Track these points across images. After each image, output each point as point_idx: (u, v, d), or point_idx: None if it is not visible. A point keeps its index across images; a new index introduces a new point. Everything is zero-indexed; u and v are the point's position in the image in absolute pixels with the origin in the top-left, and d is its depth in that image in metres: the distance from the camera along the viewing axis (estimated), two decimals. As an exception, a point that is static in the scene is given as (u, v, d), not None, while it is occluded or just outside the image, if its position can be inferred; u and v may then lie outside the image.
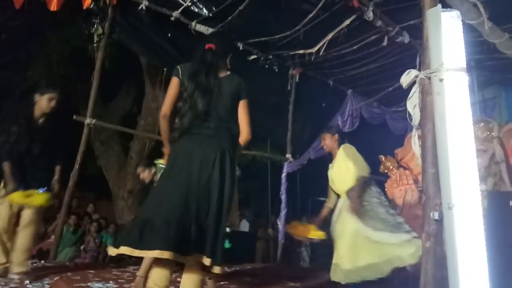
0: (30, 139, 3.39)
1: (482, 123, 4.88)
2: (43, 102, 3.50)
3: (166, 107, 2.31)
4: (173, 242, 2.01)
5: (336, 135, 3.67)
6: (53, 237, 6.20)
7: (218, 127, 2.29)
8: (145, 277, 2.90)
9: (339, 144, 3.63)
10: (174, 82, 2.33)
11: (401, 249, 3.20)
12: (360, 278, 3.16)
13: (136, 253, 2.02)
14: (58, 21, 6.94)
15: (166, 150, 2.44)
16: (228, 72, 2.44)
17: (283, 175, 6.18)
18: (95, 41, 4.95)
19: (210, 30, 4.91)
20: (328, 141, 3.67)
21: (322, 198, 4.69)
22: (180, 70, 2.34)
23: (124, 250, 2.04)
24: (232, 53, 2.56)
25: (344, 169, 3.47)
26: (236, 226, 3.85)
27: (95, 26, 4.91)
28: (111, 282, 3.49)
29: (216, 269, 2.13)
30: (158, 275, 2.17)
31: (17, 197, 3.29)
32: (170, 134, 2.36)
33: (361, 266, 3.16)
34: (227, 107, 2.35)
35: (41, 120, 3.52)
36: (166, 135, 2.37)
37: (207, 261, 2.09)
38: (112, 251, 2.10)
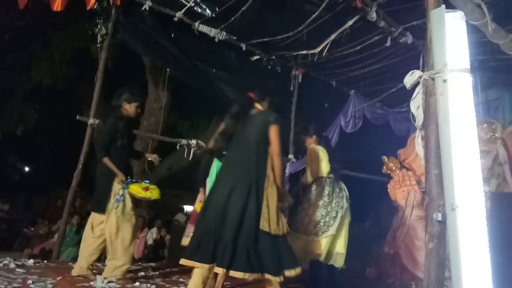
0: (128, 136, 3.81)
1: (486, 124, 4.86)
2: (132, 109, 3.82)
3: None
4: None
5: (314, 136, 4.03)
6: (56, 236, 6.23)
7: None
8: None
9: (318, 144, 4.01)
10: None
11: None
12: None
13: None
14: (61, 21, 6.98)
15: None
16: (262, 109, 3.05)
17: (286, 175, 6.17)
18: (98, 42, 4.95)
19: (213, 30, 4.91)
20: (308, 142, 4.05)
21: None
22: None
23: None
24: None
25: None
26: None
27: (99, 26, 4.92)
28: (113, 281, 3.49)
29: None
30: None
31: (137, 190, 3.47)
32: None
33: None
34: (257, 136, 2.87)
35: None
36: None
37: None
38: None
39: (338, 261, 3.68)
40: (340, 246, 3.70)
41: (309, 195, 3.82)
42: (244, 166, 2.79)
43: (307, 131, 4.12)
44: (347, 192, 3.85)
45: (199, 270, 2.58)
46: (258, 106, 3.04)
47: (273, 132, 2.85)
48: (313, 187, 3.83)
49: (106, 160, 3.54)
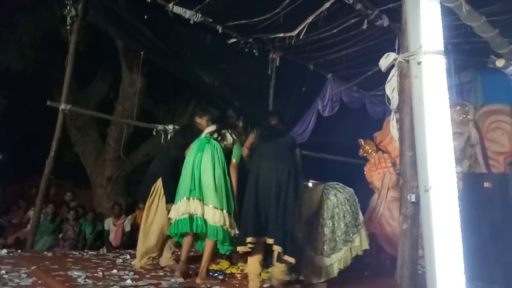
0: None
1: (458, 106, 4.97)
2: (204, 123, 3.87)
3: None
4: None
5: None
6: (29, 225, 6.10)
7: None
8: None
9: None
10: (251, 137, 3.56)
11: None
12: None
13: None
14: (29, 2, 6.68)
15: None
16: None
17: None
18: (68, 24, 4.78)
19: (188, 12, 4.79)
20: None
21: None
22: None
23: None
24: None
25: None
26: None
27: (68, 8, 4.73)
28: (90, 270, 3.45)
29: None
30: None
31: None
32: None
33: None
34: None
35: None
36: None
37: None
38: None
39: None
40: None
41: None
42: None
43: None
44: None
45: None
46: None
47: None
48: None
49: None
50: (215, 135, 3.52)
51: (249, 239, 3.03)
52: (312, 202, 3.57)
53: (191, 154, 3.49)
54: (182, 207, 3.29)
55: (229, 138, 3.54)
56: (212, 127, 3.63)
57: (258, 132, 3.52)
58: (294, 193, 3.18)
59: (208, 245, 3.33)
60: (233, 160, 3.50)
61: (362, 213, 3.79)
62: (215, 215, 3.26)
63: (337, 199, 3.58)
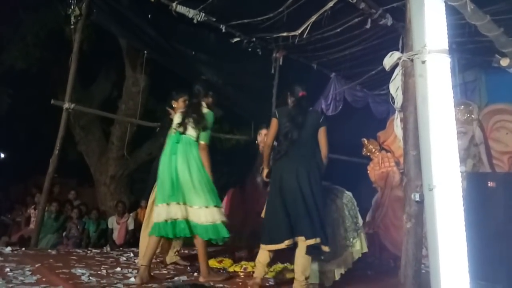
0: None
1: (463, 106, 4.95)
2: (180, 105, 3.77)
3: (270, 140, 3.33)
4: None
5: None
6: (31, 224, 6.14)
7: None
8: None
9: None
10: (274, 122, 3.30)
11: None
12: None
13: None
14: (33, 2, 6.70)
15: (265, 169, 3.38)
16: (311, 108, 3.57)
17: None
18: (72, 23, 4.79)
19: (192, 11, 4.80)
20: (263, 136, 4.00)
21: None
22: (277, 112, 3.37)
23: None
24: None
25: None
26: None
27: (72, 7, 4.75)
28: (94, 268, 3.46)
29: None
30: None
31: None
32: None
33: None
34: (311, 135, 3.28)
35: None
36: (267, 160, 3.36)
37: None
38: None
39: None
40: None
41: None
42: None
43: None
44: None
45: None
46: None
47: (323, 134, 3.37)
48: None
49: None
50: (181, 129, 3.32)
51: (286, 242, 3.04)
52: None
53: (165, 154, 3.34)
54: (163, 213, 3.20)
55: (191, 130, 3.31)
56: (178, 118, 3.41)
57: (283, 114, 3.33)
58: (318, 184, 3.16)
59: (199, 243, 3.25)
60: (201, 142, 3.31)
61: (365, 212, 3.77)
62: (201, 215, 3.19)
63: (335, 205, 3.52)
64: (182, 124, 3.33)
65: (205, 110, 3.38)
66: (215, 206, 3.26)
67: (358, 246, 3.48)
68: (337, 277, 3.41)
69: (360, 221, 3.56)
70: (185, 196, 3.22)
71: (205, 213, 3.20)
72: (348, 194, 3.62)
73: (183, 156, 3.25)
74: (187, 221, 3.21)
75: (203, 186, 3.24)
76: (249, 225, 4.28)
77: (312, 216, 3.05)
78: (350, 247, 3.46)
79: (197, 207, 3.21)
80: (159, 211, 3.22)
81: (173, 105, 3.82)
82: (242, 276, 3.58)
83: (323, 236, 3.05)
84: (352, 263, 3.48)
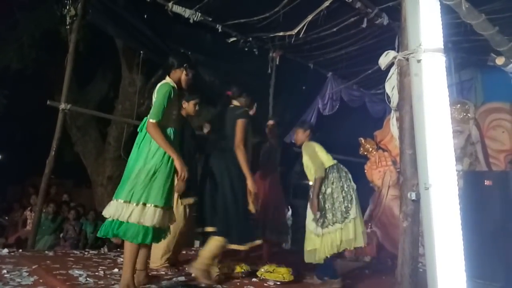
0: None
1: (459, 105, 4.97)
2: (190, 107, 3.77)
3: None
4: None
5: (308, 131, 3.82)
6: (28, 225, 6.11)
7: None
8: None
9: (310, 138, 3.81)
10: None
11: (336, 237, 3.43)
12: (308, 260, 3.55)
13: None
14: (28, 2, 6.67)
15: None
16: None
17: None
18: (67, 23, 4.77)
19: (188, 11, 4.79)
20: (299, 135, 3.84)
21: (305, 181, 4.72)
22: None
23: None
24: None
25: (306, 166, 3.72)
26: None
27: (68, 7, 4.73)
28: (91, 269, 3.45)
29: None
30: None
31: None
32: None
33: (307, 250, 3.55)
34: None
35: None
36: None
37: None
38: None
39: (360, 241, 3.49)
40: (362, 225, 3.54)
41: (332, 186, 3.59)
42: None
43: (303, 124, 3.96)
44: (350, 175, 3.67)
45: None
46: (235, 102, 3.51)
47: (238, 126, 3.27)
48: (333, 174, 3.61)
49: None
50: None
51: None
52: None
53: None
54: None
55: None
56: None
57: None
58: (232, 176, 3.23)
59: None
60: (148, 121, 2.77)
61: (363, 212, 3.78)
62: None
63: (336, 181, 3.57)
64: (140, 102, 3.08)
65: (161, 83, 2.86)
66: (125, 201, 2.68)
67: (352, 232, 3.40)
68: (323, 254, 3.43)
69: (354, 211, 3.47)
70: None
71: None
72: (352, 185, 3.62)
73: (136, 145, 2.84)
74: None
75: (132, 176, 2.71)
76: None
77: (217, 209, 3.18)
78: (340, 224, 3.43)
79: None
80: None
81: (183, 106, 3.74)
82: (231, 277, 3.56)
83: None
84: (339, 247, 3.42)
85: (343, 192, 3.52)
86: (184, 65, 2.91)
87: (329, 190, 3.54)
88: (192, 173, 3.28)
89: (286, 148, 4.79)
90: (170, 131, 2.83)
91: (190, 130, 3.80)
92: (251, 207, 3.27)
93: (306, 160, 3.71)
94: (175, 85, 2.88)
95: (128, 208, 2.63)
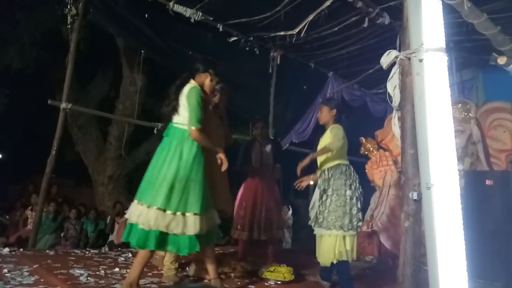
0: None
1: (460, 104, 4.96)
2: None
3: None
4: None
5: (334, 110, 3.38)
6: (29, 224, 6.12)
7: None
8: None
9: (335, 121, 3.39)
10: None
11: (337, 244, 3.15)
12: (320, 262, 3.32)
13: None
14: (29, 1, 6.67)
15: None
16: None
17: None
18: (68, 23, 4.77)
19: (189, 10, 4.79)
20: (324, 113, 3.40)
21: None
22: None
23: None
24: None
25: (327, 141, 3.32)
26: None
27: (69, 6, 4.73)
28: (92, 268, 3.45)
29: None
30: None
31: None
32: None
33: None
34: None
35: None
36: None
37: None
38: None
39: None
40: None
41: (332, 184, 3.24)
42: None
43: (329, 101, 3.54)
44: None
45: None
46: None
47: None
48: (336, 175, 3.25)
49: None
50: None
51: None
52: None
53: None
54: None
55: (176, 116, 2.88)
56: None
57: None
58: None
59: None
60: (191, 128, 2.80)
61: (363, 211, 3.69)
62: None
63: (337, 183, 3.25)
64: (163, 111, 2.98)
65: (187, 87, 2.85)
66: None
67: (349, 244, 3.15)
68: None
69: (355, 222, 3.17)
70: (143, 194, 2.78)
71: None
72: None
73: (161, 149, 2.83)
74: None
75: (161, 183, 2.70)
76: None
77: None
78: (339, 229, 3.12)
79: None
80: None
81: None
82: (233, 277, 3.56)
83: None
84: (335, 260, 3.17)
85: (355, 198, 3.19)
86: (210, 70, 2.97)
87: (348, 192, 3.19)
88: None
89: (279, 147, 4.63)
90: None
91: None
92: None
93: (325, 140, 3.33)
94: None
95: (175, 219, 2.64)
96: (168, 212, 2.64)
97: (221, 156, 2.89)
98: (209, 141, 2.84)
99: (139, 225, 2.63)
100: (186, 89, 2.83)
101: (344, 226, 3.11)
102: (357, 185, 3.27)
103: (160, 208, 2.63)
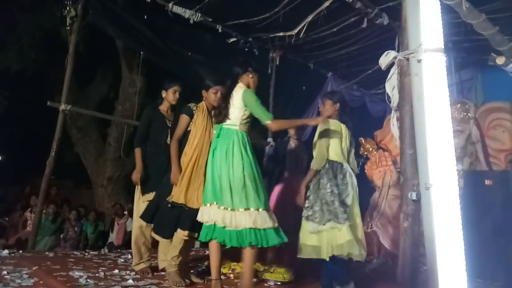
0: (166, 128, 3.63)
1: (459, 104, 4.97)
2: (170, 95, 3.70)
3: None
4: None
5: (337, 105, 3.26)
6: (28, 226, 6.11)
7: None
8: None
9: (338, 115, 3.29)
10: None
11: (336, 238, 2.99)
12: (308, 256, 3.10)
13: None
14: (28, 3, 6.68)
15: None
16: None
17: (265, 159, 6.18)
18: (68, 24, 4.77)
19: (188, 12, 4.79)
20: (327, 107, 3.28)
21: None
22: None
23: None
24: None
25: (316, 145, 3.25)
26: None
27: (68, 8, 4.73)
28: (92, 270, 3.45)
29: None
30: None
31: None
32: None
33: (308, 245, 3.10)
34: None
35: (169, 111, 3.74)
36: None
37: None
38: None
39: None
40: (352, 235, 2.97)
41: (320, 180, 3.15)
42: None
43: (332, 95, 3.41)
44: (353, 180, 3.16)
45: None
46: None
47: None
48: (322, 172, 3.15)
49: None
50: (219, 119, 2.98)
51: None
52: None
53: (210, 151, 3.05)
54: (206, 214, 2.88)
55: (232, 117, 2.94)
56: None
57: None
58: None
59: (246, 253, 2.83)
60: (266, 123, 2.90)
61: (363, 212, 3.65)
62: (241, 219, 2.77)
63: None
64: (214, 114, 3.07)
65: (239, 91, 2.95)
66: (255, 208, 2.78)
67: (342, 238, 2.95)
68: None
69: (344, 215, 2.97)
70: (220, 197, 2.82)
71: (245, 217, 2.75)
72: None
73: (221, 151, 2.88)
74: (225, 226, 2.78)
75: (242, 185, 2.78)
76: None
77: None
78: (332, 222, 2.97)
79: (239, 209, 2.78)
80: (204, 211, 2.89)
81: (163, 95, 3.71)
82: (232, 278, 3.56)
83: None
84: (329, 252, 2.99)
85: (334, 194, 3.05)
86: (249, 69, 3.08)
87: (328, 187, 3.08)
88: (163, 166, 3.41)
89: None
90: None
91: (162, 120, 3.66)
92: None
93: (317, 138, 3.23)
94: None
95: (263, 215, 2.74)
96: (252, 209, 2.75)
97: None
98: (284, 122, 3.24)
99: (228, 228, 2.73)
100: (239, 93, 2.94)
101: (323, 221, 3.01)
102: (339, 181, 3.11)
103: (249, 208, 2.75)
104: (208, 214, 2.83)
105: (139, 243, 3.54)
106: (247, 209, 2.73)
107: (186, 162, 3.13)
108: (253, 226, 2.71)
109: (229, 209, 2.75)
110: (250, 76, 3.06)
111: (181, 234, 3.10)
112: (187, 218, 3.06)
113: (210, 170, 2.92)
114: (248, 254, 2.76)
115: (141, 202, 3.54)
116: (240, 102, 2.91)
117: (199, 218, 2.91)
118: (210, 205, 2.84)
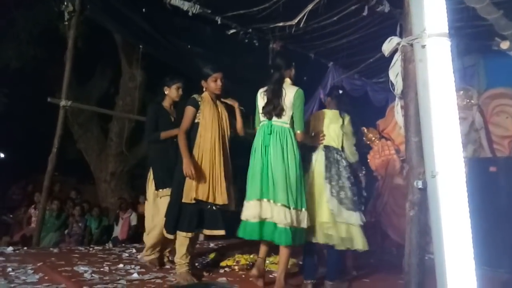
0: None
1: (462, 91, 4.93)
2: (173, 92, 3.78)
3: None
4: None
5: (329, 99, 3.69)
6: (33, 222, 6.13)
7: None
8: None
9: (335, 104, 3.67)
10: None
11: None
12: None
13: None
14: (25, -2, 6.65)
15: None
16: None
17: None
18: (66, 19, 4.74)
19: (186, 4, 4.74)
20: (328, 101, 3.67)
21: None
22: None
23: None
24: None
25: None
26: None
27: (65, 3, 4.69)
28: (96, 265, 3.45)
29: None
30: None
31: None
32: None
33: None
34: None
35: (172, 108, 3.81)
36: None
37: None
38: None
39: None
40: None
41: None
42: None
43: (331, 91, 3.65)
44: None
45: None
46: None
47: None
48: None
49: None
50: (268, 116, 3.00)
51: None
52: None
53: (257, 146, 3.03)
54: (252, 210, 2.84)
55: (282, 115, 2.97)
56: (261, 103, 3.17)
57: None
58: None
59: (281, 250, 2.87)
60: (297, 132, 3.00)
61: (366, 201, 3.68)
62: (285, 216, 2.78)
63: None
64: (267, 109, 3.02)
65: (293, 90, 3.02)
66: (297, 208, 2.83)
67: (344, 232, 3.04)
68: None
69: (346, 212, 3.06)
70: (277, 194, 2.80)
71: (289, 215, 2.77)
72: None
73: (276, 148, 2.88)
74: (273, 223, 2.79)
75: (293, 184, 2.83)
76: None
77: None
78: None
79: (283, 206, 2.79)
80: (249, 207, 2.87)
81: (165, 92, 3.75)
82: (237, 270, 3.56)
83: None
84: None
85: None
86: (292, 63, 3.21)
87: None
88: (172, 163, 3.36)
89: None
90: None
91: (167, 116, 3.70)
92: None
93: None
94: None
95: (301, 215, 2.84)
96: (303, 209, 2.87)
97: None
98: (307, 138, 3.23)
99: (286, 227, 2.75)
100: (291, 91, 3.05)
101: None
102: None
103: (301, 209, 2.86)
104: (257, 210, 2.79)
105: (158, 238, 3.51)
106: (300, 209, 2.83)
107: (200, 156, 3.08)
108: (300, 225, 2.81)
109: (288, 207, 2.77)
110: (293, 71, 3.17)
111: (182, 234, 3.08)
112: (186, 217, 3.04)
113: (260, 166, 2.88)
114: (285, 251, 2.82)
115: (158, 198, 3.54)
116: (292, 101, 2.99)
117: (243, 214, 2.86)
118: (260, 201, 2.81)
